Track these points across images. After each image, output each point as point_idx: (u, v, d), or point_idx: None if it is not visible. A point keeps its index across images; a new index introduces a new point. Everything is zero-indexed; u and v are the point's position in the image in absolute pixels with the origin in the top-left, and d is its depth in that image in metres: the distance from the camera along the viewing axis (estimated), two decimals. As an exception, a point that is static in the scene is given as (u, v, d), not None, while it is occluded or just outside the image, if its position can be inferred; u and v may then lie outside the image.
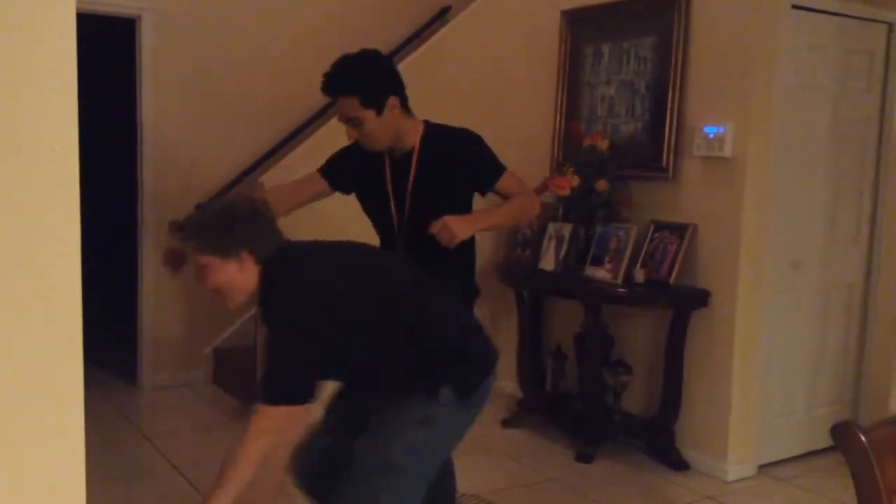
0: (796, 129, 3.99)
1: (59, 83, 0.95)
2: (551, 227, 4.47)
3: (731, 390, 3.92)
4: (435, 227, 2.54)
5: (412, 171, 2.65)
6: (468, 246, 2.75)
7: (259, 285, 2.19)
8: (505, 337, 5.02)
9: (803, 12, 3.91)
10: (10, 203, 0.94)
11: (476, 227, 2.64)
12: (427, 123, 2.72)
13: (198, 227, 2.23)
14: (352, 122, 2.58)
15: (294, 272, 2.18)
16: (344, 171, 2.81)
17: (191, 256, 2.24)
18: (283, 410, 2.08)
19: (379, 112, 2.57)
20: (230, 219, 2.19)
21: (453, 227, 2.53)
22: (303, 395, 2.08)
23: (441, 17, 5.68)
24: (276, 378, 2.12)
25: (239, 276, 2.17)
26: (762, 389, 4.04)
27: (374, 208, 2.76)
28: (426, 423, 2.17)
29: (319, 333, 2.10)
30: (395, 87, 2.63)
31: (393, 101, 2.59)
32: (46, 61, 0.95)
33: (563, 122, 4.74)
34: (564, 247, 4.38)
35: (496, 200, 2.85)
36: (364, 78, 2.58)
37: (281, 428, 2.11)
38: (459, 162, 2.67)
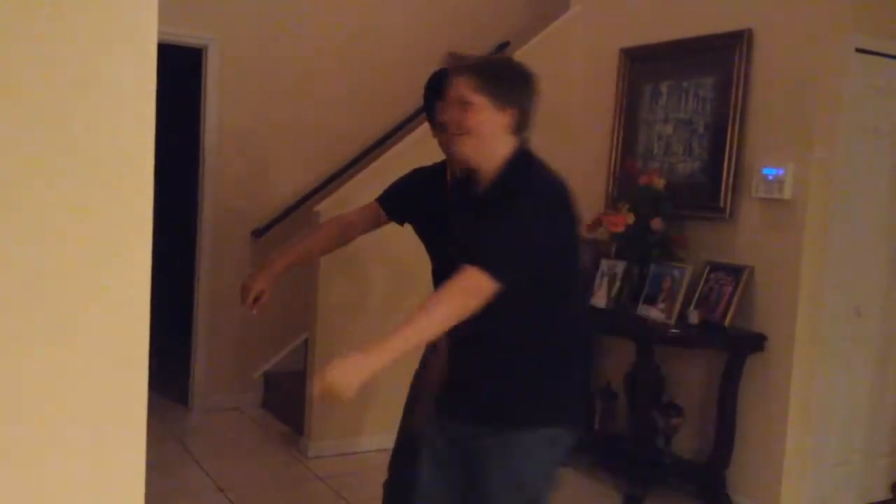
0: (858, 172, 3.92)
1: (138, 117, 0.99)
2: (604, 264, 4.44)
3: (785, 437, 3.82)
4: None
5: None
6: None
7: (511, 161, 2.14)
8: (554, 373, 4.98)
9: (867, 55, 3.86)
10: (87, 230, 0.98)
11: None
12: None
13: (486, 64, 2.21)
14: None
15: (552, 176, 2.16)
16: (401, 199, 2.82)
17: (458, 92, 2.14)
18: (488, 283, 1.96)
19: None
20: (518, 72, 2.17)
21: None
22: (509, 278, 1.99)
23: (500, 52, 5.72)
24: (502, 251, 2.02)
25: (496, 129, 2.12)
26: (818, 437, 3.94)
27: (431, 236, 2.77)
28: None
29: (544, 242, 2.06)
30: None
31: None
32: (126, 93, 0.98)
33: (618, 159, 4.72)
34: (617, 284, 4.34)
35: None
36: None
37: (473, 297, 1.98)
38: None
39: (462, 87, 2.13)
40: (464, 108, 2.12)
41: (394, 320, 4.53)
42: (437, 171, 2.75)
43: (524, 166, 2.16)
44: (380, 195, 2.86)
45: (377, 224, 2.86)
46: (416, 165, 2.87)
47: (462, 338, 2.19)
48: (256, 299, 2.59)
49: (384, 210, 2.83)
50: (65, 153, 0.96)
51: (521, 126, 2.16)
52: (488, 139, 2.13)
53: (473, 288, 1.97)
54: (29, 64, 0.94)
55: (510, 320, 2.09)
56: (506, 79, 2.14)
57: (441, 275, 2.75)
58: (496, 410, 2.16)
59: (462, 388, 2.25)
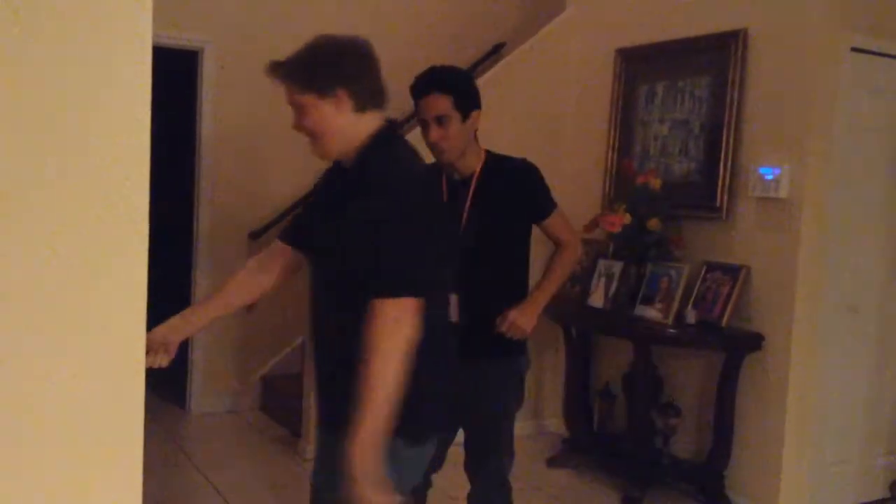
0: (854, 171, 3.93)
1: (133, 120, 0.98)
2: (601, 264, 4.44)
3: (783, 436, 3.82)
4: (503, 327, 2.62)
5: (469, 196, 2.67)
6: (521, 283, 2.76)
7: (369, 142, 1.98)
8: (551, 374, 4.98)
9: (862, 55, 3.86)
10: (83, 233, 0.97)
11: (539, 309, 2.71)
12: (488, 152, 2.75)
13: (294, 61, 2.00)
14: (439, 120, 2.60)
15: (413, 162, 2.01)
16: None
17: (288, 99, 2.03)
18: (406, 303, 1.81)
19: (464, 119, 2.62)
20: (329, 52, 1.98)
21: (521, 324, 2.63)
22: (422, 284, 1.86)
23: (495, 53, 5.73)
24: (397, 263, 1.86)
25: (336, 118, 1.96)
26: (816, 436, 3.94)
27: None
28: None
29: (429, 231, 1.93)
30: (480, 105, 2.69)
31: (476, 114, 2.65)
32: (122, 96, 0.98)
33: (615, 159, 4.72)
34: (614, 284, 4.34)
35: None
36: (460, 83, 2.67)
37: (406, 327, 1.82)
38: (514, 191, 2.69)
39: (287, 93, 2.02)
40: (298, 112, 2.02)
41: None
42: (431, 170, 2.75)
43: (383, 147, 2.01)
44: None
45: None
46: None
47: (316, 340, 2.12)
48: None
49: None
50: (60, 156, 0.96)
51: (364, 101, 1.99)
52: (335, 130, 2.00)
53: (396, 320, 1.82)
54: (23, 67, 0.93)
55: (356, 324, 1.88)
56: (319, 63, 1.98)
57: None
58: (336, 415, 1.97)
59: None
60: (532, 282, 2.83)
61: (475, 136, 2.70)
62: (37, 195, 0.95)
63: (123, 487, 1.03)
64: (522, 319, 2.63)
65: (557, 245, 2.81)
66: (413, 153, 2.08)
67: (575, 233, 2.88)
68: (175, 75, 5.53)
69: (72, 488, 1.01)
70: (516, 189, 2.69)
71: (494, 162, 2.72)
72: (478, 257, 2.66)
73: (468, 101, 2.62)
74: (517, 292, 2.75)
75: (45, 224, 0.96)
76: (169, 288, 6.04)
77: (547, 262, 2.84)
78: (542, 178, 2.75)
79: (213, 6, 5.05)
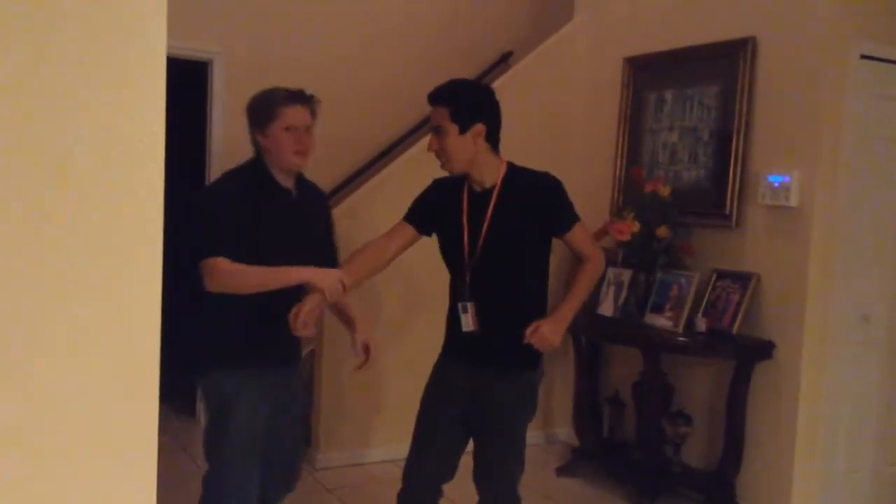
0: (864, 179, 3.91)
1: (147, 131, 0.99)
2: (611, 273, 4.43)
3: (794, 445, 3.81)
4: (533, 338, 2.61)
5: (490, 209, 2.67)
6: (539, 296, 2.75)
7: None
8: (561, 383, 4.97)
9: (872, 62, 3.86)
10: (99, 243, 0.98)
11: (567, 323, 2.70)
12: (510, 164, 2.75)
13: None
14: (436, 130, 2.66)
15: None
16: (426, 213, 2.84)
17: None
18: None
19: (462, 131, 2.63)
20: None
21: (549, 336, 2.61)
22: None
23: (503, 61, 5.74)
24: None
25: None
26: (827, 445, 3.92)
27: (448, 242, 2.78)
28: None
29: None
30: (488, 118, 2.68)
31: (479, 128, 2.64)
32: (136, 107, 0.99)
33: (624, 167, 4.72)
34: (624, 293, 4.33)
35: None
36: (460, 95, 2.67)
37: None
38: (535, 204, 2.68)
39: None
40: None
41: (400, 332, 4.55)
42: (457, 182, 2.76)
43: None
44: (406, 214, 2.88)
45: (410, 242, 2.88)
46: (422, 174, 2.89)
47: None
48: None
49: (415, 227, 2.84)
50: (76, 167, 0.97)
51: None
52: None
53: None
54: (40, 77, 0.94)
55: None
56: None
57: (457, 280, 2.76)
58: None
59: None
60: (551, 295, 2.82)
61: (491, 149, 2.70)
62: (50, 205, 0.96)
63: (138, 496, 1.03)
64: (549, 331, 2.60)
65: (580, 259, 2.78)
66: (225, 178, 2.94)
67: (597, 246, 2.86)
68: (184, 86, 5.56)
69: (85, 494, 1.01)
70: (536, 203, 2.68)
71: (515, 175, 2.72)
72: (496, 269, 2.65)
73: (467, 114, 2.63)
74: (535, 305, 2.74)
75: (61, 235, 0.96)
76: (182, 296, 6.02)
77: (570, 277, 2.83)
78: (563, 192, 2.73)
79: (223, 17, 5.07)
